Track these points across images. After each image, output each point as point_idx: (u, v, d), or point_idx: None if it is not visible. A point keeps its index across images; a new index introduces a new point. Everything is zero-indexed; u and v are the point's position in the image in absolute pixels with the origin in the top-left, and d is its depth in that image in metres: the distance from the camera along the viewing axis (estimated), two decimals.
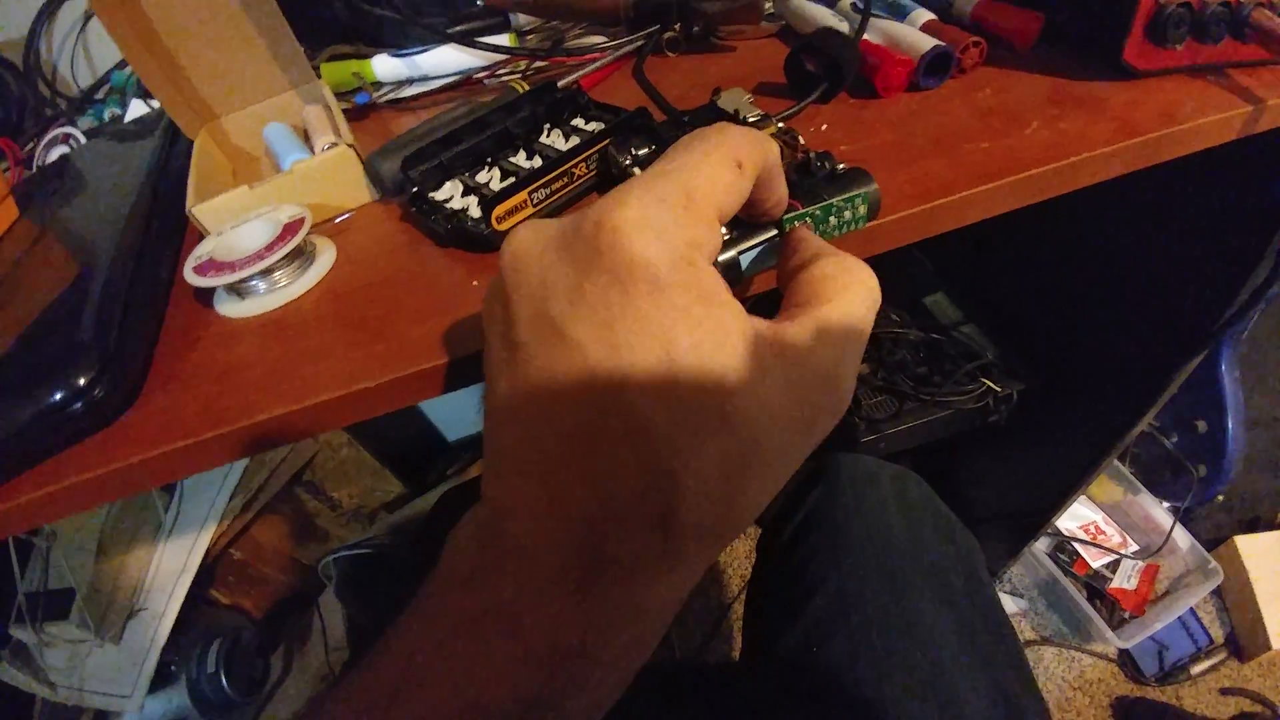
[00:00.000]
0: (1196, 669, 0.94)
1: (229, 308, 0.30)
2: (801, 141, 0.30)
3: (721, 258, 0.22)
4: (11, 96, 0.64)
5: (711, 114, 0.33)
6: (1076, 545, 1.02)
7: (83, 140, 0.54)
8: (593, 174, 0.32)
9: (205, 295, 0.31)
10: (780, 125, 0.31)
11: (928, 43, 0.34)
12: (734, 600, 1.07)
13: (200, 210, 0.32)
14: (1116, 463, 1.01)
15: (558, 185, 0.30)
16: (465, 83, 0.46)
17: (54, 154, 0.54)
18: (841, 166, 0.26)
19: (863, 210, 0.25)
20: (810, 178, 0.25)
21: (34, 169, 0.53)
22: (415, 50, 0.45)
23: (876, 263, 0.22)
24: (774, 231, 0.23)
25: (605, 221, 0.16)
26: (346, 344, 0.26)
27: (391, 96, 0.46)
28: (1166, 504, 0.98)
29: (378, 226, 0.34)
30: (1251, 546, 0.96)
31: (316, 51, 0.46)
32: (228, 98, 0.41)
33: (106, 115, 0.59)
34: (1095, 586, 0.99)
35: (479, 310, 0.25)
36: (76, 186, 0.42)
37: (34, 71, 0.66)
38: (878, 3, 0.39)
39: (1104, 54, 0.33)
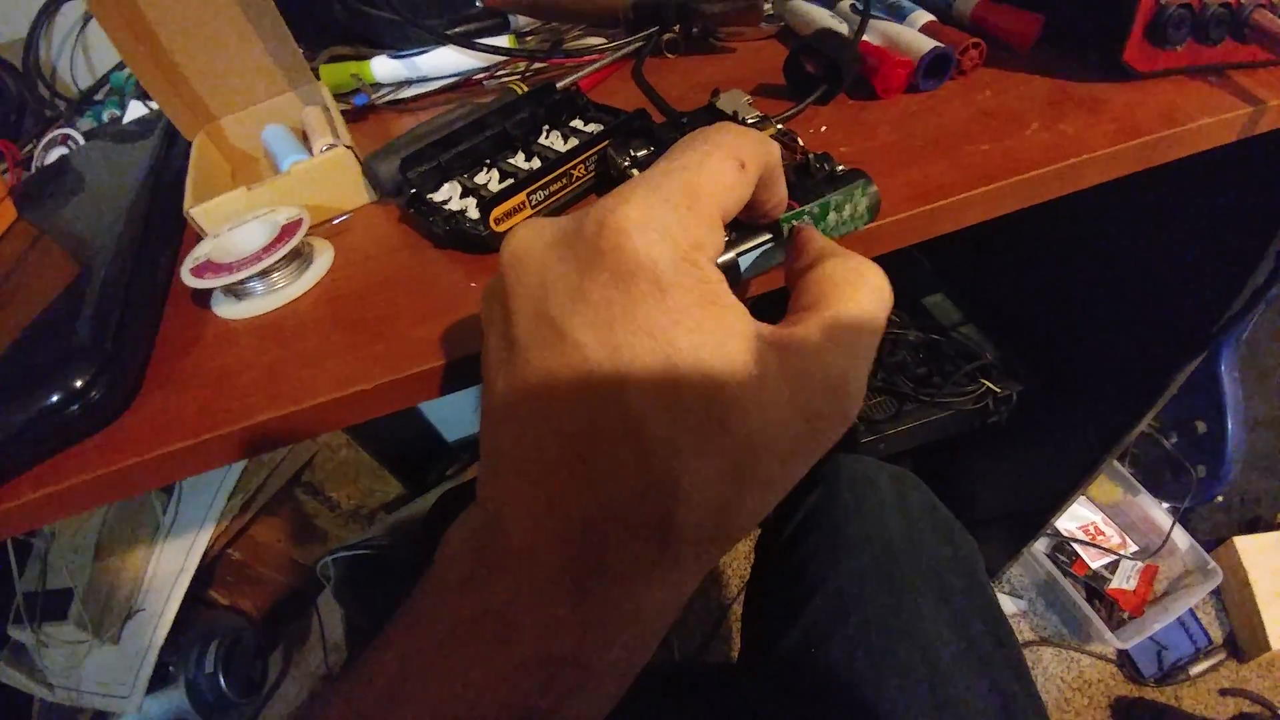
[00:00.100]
0: (1195, 670, 0.94)
1: (227, 309, 0.30)
2: (800, 143, 0.30)
3: (720, 259, 0.22)
4: (10, 97, 0.64)
5: (710, 115, 0.33)
6: (1076, 546, 1.02)
7: (81, 141, 0.54)
8: (591, 175, 0.32)
9: (203, 297, 0.31)
10: (779, 127, 0.31)
11: (927, 44, 0.34)
12: (733, 601, 1.07)
13: (198, 212, 0.32)
14: (1116, 463, 1.01)
15: (556, 187, 0.30)
16: (464, 84, 0.46)
17: (53, 155, 0.54)
18: (841, 168, 0.26)
19: (862, 208, 0.25)
20: (809, 179, 0.25)
21: (33, 170, 0.53)
22: (414, 52, 0.45)
23: (876, 262, 0.22)
24: (772, 233, 0.23)
25: (608, 221, 0.16)
26: (344, 346, 0.26)
27: (390, 98, 0.46)
28: (1166, 504, 0.98)
29: (376, 228, 0.34)
30: (1251, 547, 0.96)
31: (315, 53, 0.46)
32: (226, 99, 0.41)
33: (105, 116, 0.59)
34: (1094, 587, 0.99)
35: (477, 311, 0.25)
36: (75, 188, 0.42)
37: (33, 72, 0.66)
38: (877, 4, 0.39)
39: (1104, 55, 0.33)
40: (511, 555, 0.17)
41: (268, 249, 0.29)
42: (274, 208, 0.32)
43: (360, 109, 0.45)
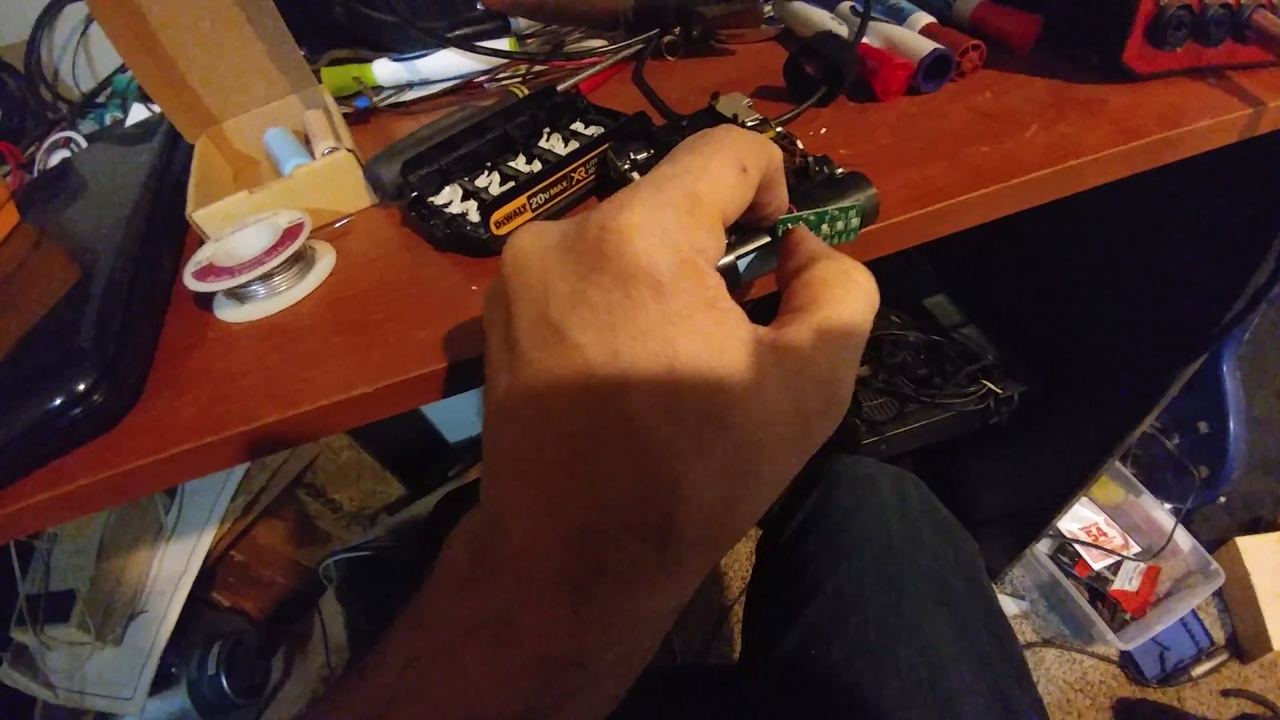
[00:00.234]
0: (1198, 670, 0.94)
1: (229, 313, 0.30)
2: (800, 145, 0.30)
3: (719, 263, 0.22)
4: (13, 100, 0.64)
5: (710, 118, 0.33)
6: (1078, 547, 1.01)
7: (84, 144, 0.54)
8: (592, 178, 0.32)
9: (205, 300, 0.31)
10: (779, 129, 0.31)
11: (927, 46, 0.34)
12: (734, 602, 1.07)
13: (200, 215, 0.32)
14: (1118, 464, 1.00)
15: (557, 190, 0.30)
16: (465, 87, 0.46)
17: (55, 158, 0.54)
18: (840, 170, 0.26)
19: (854, 222, 0.25)
20: (809, 182, 0.25)
21: (35, 173, 0.53)
22: (415, 55, 0.45)
23: (876, 264, 0.22)
24: (771, 236, 0.23)
25: (609, 225, 0.16)
26: (346, 348, 0.26)
27: (391, 101, 0.46)
28: (1168, 505, 0.98)
29: (377, 231, 0.34)
30: (1253, 548, 0.96)
31: (317, 56, 0.47)
32: (228, 102, 0.41)
33: (108, 119, 0.59)
34: (1096, 588, 0.99)
35: (478, 314, 0.25)
36: (77, 191, 0.42)
37: (35, 75, 0.66)
38: (877, 6, 0.39)
39: (1104, 56, 0.33)
40: (511, 556, 0.17)
41: (270, 252, 0.29)
42: (276, 211, 0.32)
43: (362, 112, 0.45)
